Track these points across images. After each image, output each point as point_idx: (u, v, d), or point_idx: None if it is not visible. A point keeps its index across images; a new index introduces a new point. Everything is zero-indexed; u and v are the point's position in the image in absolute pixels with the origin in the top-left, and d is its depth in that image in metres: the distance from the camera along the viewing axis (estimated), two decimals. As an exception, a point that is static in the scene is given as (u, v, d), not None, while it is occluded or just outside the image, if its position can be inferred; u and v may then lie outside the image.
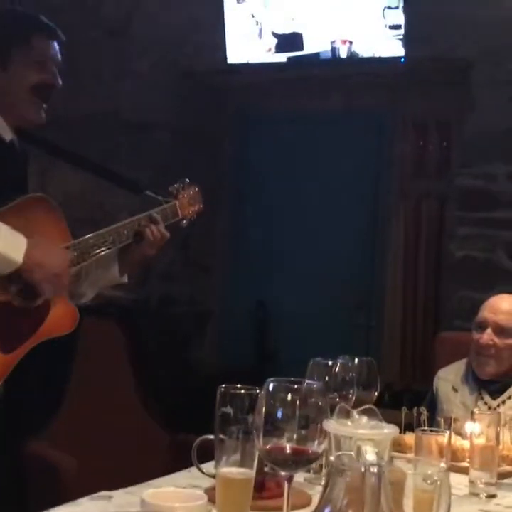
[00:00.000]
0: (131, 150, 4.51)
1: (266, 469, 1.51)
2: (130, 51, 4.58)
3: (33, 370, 2.15)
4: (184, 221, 2.43)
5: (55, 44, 2.13)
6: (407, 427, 2.02)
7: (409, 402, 2.18)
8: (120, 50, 4.59)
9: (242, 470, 1.35)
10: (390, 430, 1.11)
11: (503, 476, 1.90)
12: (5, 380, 2.02)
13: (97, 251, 2.15)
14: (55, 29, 2.13)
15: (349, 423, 1.13)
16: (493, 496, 1.79)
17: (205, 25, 4.42)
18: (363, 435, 1.06)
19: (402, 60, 4.08)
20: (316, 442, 1.22)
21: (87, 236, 2.15)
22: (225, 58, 4.41)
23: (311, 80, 4.33)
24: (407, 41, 4.02)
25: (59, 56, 2.14)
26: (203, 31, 4.43)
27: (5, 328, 1.97)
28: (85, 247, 2.12)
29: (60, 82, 2.12)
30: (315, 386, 1.27)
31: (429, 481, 1.16)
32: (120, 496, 1.55)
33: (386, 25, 4.05)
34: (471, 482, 1.81)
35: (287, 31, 4.31)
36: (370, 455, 1.00)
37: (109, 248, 2.18)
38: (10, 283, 1.94)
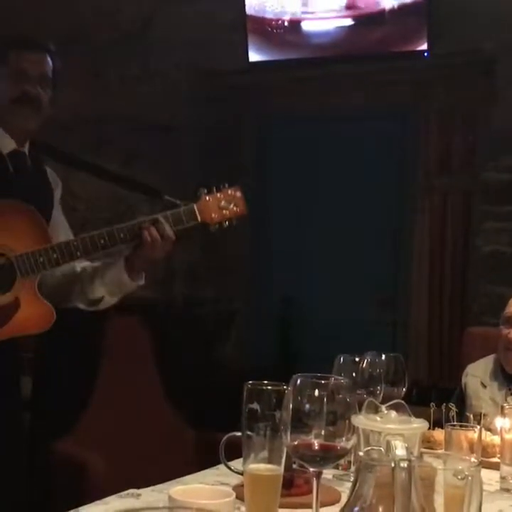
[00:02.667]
0: (154, 151, 4.51)
1: (294, 466, 1.50)
2: (151, 52, 4.59)
3: (59, 369, 2.16)
4: (213, 226, 2.35)
5: (38, 56, 2.21)
6: (436, 424, 2.01)
7: (437, 399, 2.15)
8: (141, 51, 4.60)
9: (270, 467, 1.34)
10: (419, 425, 1.09)
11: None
12: (33, 381, 2.04)
13: (79, 255, 2.19)
14: (35, 41, 2.21)
15: (378, 418, 1.12)
16: (525, 492, 1.76)
17: (226, 24, 4.42)
18: (392, 430, 1.05)
19: (426, 54, 4.05)
20: (344, 438, 1.21)
21: (70, 239, 2.23)
22: (247, 57, 4.41)
23: (333, 77, 4.31)
24: (430, 35, 3.99)
25: (43, 66, 2.22)
26: (224, 30, 4.42)
27: None
28: (67, 248, 2.16)
29: (47, 91, 2.21)
30: (343, 382, 1.26)
31: (459, 477, 1.14)
32: (148, 493, 1.55)
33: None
34: (502, 478, 1.79)
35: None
36: (399, 450, 0.99)
37: (103, 248, 2.21)
38: None
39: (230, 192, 2.39)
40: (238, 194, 2.41)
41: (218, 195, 2.37)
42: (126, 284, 2.32)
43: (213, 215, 2.34)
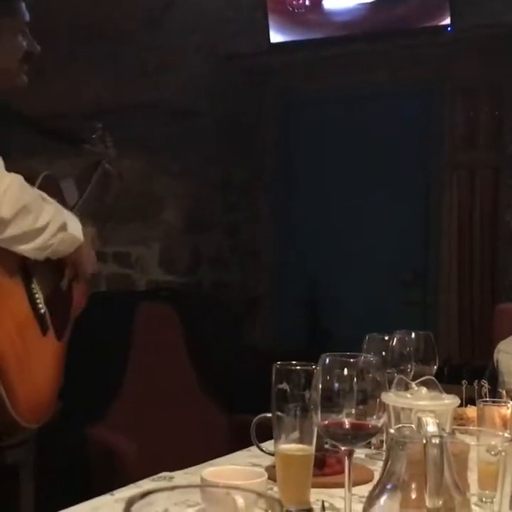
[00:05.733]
0: (176, 138, 4.51)
1: (326, 446, 1.50)
2: (171, 37, 4.57)
3: (89, 354, 2.18)
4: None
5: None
6: (468, 401, 1.99)
7: (469, 377, 2.13)
8: (161, 37, 4.58)
9: (301, 447, 1.34)
10: (451, 401, 1.08)
11: None
12: (65, 367, 2.06)
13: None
14: None
15: (408, 395, 1.11)
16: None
17: (247, 5, 4.39)
18: (423, 406, 1.04)
19: (449, 29, 4.00)
20: (375, 416, 1.20)
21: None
22: (268, 38, 4.37)
23: (356, 55, 4.27)
24: (453, 9, 3.94)
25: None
26: (244, 12, 4.40)
27: (55, 317, 2.04)
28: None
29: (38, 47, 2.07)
30: (372, 360, 1.25)
31: (493, 452, 1.13)
32: (181, 476, 1.55)
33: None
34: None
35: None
36: (431, 426, 0.98)
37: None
38: (48, 267, 2.01)
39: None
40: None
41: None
42: None
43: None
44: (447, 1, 3.98)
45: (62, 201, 2.12)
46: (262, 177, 4.64)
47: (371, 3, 4.19)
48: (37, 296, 1.98)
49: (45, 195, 1.94)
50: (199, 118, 4.53)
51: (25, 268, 1.96)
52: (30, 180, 1.93)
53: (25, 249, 1.88)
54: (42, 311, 1.98)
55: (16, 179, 1.84)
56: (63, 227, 1.94)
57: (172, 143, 4.52)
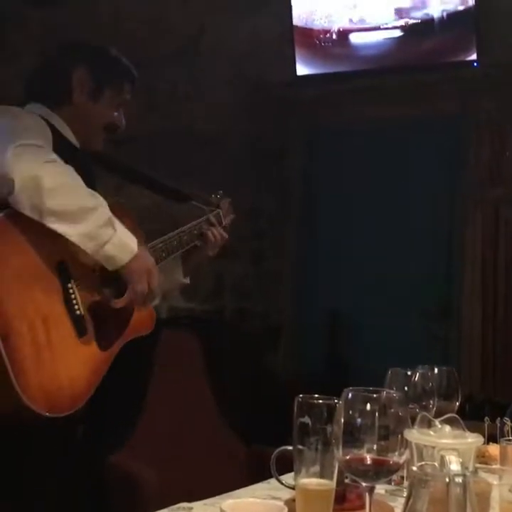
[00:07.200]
0: (203, 165, 4.55)
1: (346, 481, 1.49)
2: (201, 67, 4.63)
3: (110, 382, 2.19)
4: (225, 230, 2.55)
5: (131, 86, 2.36)
6: (491, 439, 1.97)
7: (491, 413, 2.12)
8: (191, 66, 4.64)
9: (322, 481, 1.33)
10: (474, 439, 1.08)
11: None
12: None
13: (165, 255, 2.30)
14: (133, 73, 2.35)
15: (431, 433, 1.11)
16: None
17: (274, 37, 4.44)
18: (446, 445, 1.03)
19: (475, 64, 4.01)
20: (397, 453, 1.19)
21: (156, 241, 2.30)
22: (295, 71, 4.42)
23: (382, 88, 4.29)
24: (479, 44, 3.96)
25: (129, 95, 2.36)
26: (272, 44, 4.44)
27: (102, 326, 2.08)
28: (156, 251, 2.26)
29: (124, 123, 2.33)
30: (395, 395, 1.25)
31: (516, 493, 1.12)
32: (200, 507, 1.55)
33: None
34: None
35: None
36: (454, 465, 0.97)
37: (174, 252, 2.34)
38: (106, 282, 2.08)
39: (227, 200, 2.61)
40: (230, 202, 2.62)
41: (226, 202, 2.59)
42: (179, 283, 2.47)
43: (226, 220, 2.57)
44: (473, 36, 4.00)
45: (134, 227, 2.17)
46: (287, 206, 4.66)
47: (398, 37, 4.21)
48: (73, 296, 2.01)
49: (94, 192, 2.01)
50: (227, 145, 4.57)
51: (64, 266, 2.01)
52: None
53: (68, 231, 1.92)
54: (78, 312, 2.02)
55: (63, 165, 1.95)
56: (111, 223, 1.98)
57: (199, 169, 4.56)
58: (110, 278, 2.09)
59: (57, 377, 1.95)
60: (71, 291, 2.02)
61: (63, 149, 2.09)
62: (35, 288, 1.95)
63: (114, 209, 2.05)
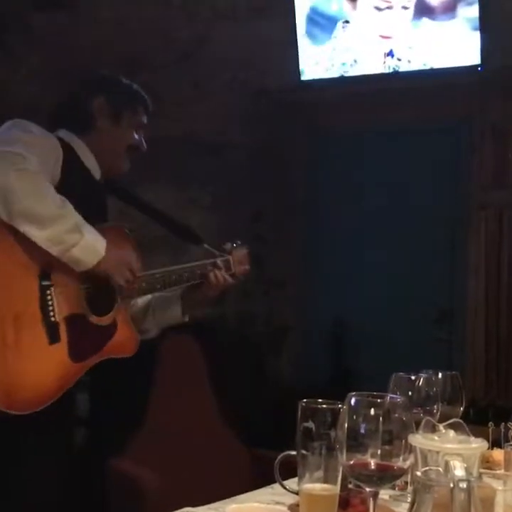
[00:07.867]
0: (206, 171, 4.55)
1: (350, 486, 1.49)
2: (204, 73, 4.63)
3: (113, 387, 2.19)
4: (235, 278, 2.58)
5: (149, 111, 2.52)
6: (495, 444, 1.96)
7: (495, 418, 2.11)
8: (194, 72, 4.64)
9: (325, 486, 1.33)
10: (478, 444, 1.07)
11: None
12: (88, 399, 2.09)
13: (159, 287, 2.37)
14: (150, 104, 2.51)
15: (436, 437, 1.10)
16: None
17: (278, 42, 4.44)
18: (451, 450, 1.03)
19: (480, 68, 4.01)
20: (401, 458, 1.19)
21: (154, 270, 2.36)
22: (299, 75, 4.42)
23: (385, 92, 4.29)
24: (483, 49, 3.96)
25: (146, 118, 2.51)
26: (276, 49, 4.45)
27: (77, 339, 2.13)
28: (153, 280, 2.33)
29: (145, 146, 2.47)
30: (398, 400, 1.24)
31: (520, 498, 1.11)
32: (203, 512, 1.54)
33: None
34: None
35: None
36: (458, 470, 0.97)
37: (171, 286, 2.40)
38: (93, 297, 2.14)
39: (243, 250, 2.66)
40: (247, 252, 2.68)
41: (240, 252, 2.64)
42: (176, 320, 2.50)
43: (236, 268, 2.60)
44: (478, 41, 4.00)
45: (130, 252, 2.25)
46: (292, 211, 4.66)
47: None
48: (50, 303, 2.08)
49: (65, 199, 2.06)
50: (230, 151, 4.57)
51: (47, 273, 2.07)
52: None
53: (35, 234, 2.00)
54: (52, 319, 2.07)
55: (36, 173, 2.01)
56: (77, 228, 2.04)
57: (203, 175, 4.56)
58: (98, 295, 2.16)
59: (19, 376, 2.01)
60: (49, 297, 2.07)
61: (78, 178, 2.22)
62: (13, 287, 2.03)
63: (109, 231, 2.14)
